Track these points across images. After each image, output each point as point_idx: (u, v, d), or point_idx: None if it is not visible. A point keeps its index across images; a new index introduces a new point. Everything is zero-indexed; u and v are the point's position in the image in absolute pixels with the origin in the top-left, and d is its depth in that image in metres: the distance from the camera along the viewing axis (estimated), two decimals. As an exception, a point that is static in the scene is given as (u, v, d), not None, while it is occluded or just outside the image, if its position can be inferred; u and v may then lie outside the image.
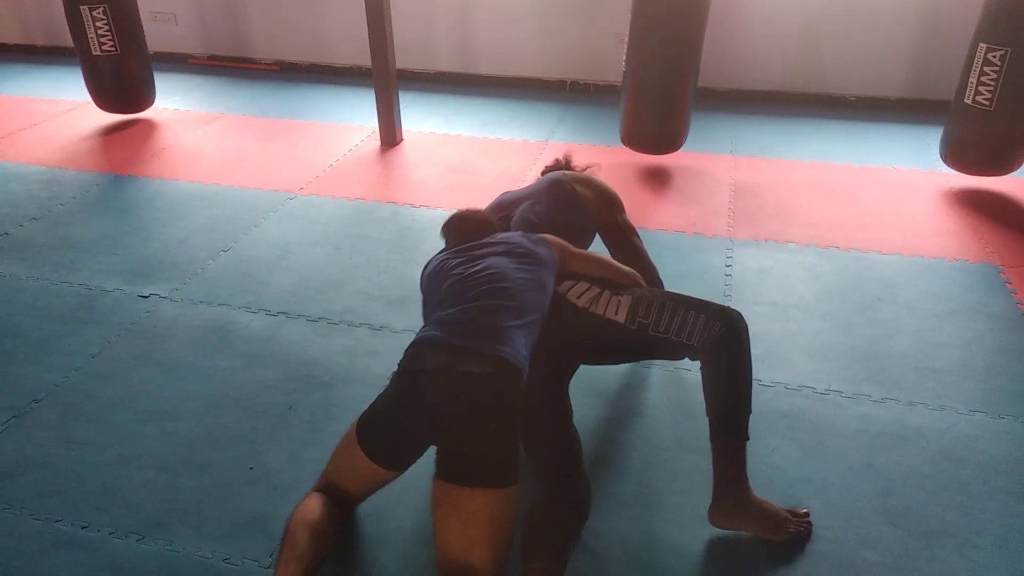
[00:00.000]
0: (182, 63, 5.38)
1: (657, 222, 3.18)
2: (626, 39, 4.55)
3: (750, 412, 1.78)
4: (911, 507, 1.84)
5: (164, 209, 3.38)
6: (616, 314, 1.86)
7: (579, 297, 1.89)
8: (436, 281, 1.88)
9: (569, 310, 1.87)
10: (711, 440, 1.77)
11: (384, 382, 2.26)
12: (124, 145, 4.06)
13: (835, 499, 1.87)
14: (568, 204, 2.28)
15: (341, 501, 1.72)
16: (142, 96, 4.26)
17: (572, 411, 1.88)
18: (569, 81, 4.85)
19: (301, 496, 1.86)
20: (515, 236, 1.98)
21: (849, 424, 2.10)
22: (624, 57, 3.54)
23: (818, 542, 1.75)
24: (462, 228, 2.09)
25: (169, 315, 2.63)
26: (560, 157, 2.57)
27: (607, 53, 4.67)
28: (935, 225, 3.16)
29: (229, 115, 4.49)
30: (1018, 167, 3.30)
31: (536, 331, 1.75)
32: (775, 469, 1.96)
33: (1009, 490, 1.88)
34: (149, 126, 4.31)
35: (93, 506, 1.87)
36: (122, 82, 4.12)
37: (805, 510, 1.80)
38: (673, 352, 1.94)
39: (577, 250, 2.03)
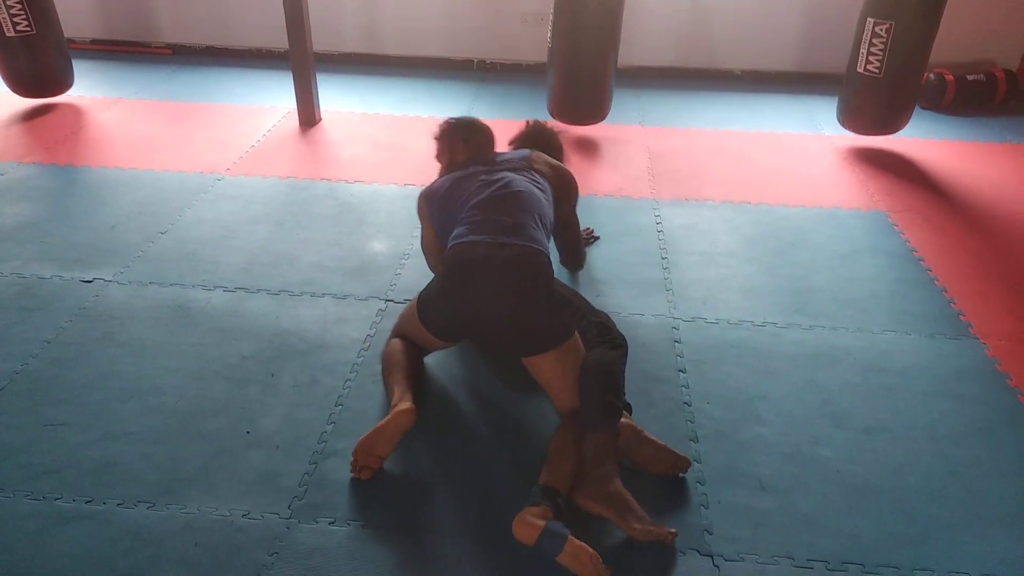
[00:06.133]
0: (63, 48, 5.06)
1: (589, 187, 3.38)
2: (528, 19, 4.78)
3: None
4: (849, 411, 2.13)
5: (83, 196, 3.25)
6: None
7: None
8: (455, 193, 2.19)
9: None
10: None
11: (359, 345, 2.37)
12: (24, 132, 3.82)
13: (787, 410, 2.13)
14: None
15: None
16: (59, 78, 4.05)
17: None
18: (476, 60, 4.98)
19: (306, 454, 1.97)
20: (522, 155, 2.36)
21: (787, 349, 2.38)
22: (549, 35, 3.71)
23: (780, 446, 2.01)
24: (477, 137, 2.43)
25: (119, 298, 2.57)
26: (536, 122, 2.73)
27: (512, 34, 4.83)
28: (828, 180, 3.55)
29: (128, 100, 4.31)
30: (904, 127, 3.73)
31: (550, 233, 2.18)
32: (733, 391, 2.20)
33: (926, 391, 2.21)
34: (46, 112, 4.07)
35: (91, 482, 1.85)
36: (38, 64, 3.90)
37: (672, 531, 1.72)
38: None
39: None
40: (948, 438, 2.04)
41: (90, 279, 2.66)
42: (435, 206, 2.25)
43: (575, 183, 2.49)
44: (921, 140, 3.97)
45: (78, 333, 2.38)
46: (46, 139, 3.75)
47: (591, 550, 1.58)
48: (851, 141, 3.90)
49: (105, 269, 2.72)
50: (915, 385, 2.24)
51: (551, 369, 1.93)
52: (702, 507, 1.82)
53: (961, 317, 2.55)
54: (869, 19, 3.46)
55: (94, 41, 5.13)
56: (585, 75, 3.71)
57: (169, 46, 5.11)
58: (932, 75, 4.39)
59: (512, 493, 1.83)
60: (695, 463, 1.94)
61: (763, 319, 2.52)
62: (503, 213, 2.05)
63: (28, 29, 3.75)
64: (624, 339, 2.05)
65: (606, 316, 2.14)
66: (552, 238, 2.31)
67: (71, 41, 5.08)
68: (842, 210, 3.25)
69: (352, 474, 1.86)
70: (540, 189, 2.22)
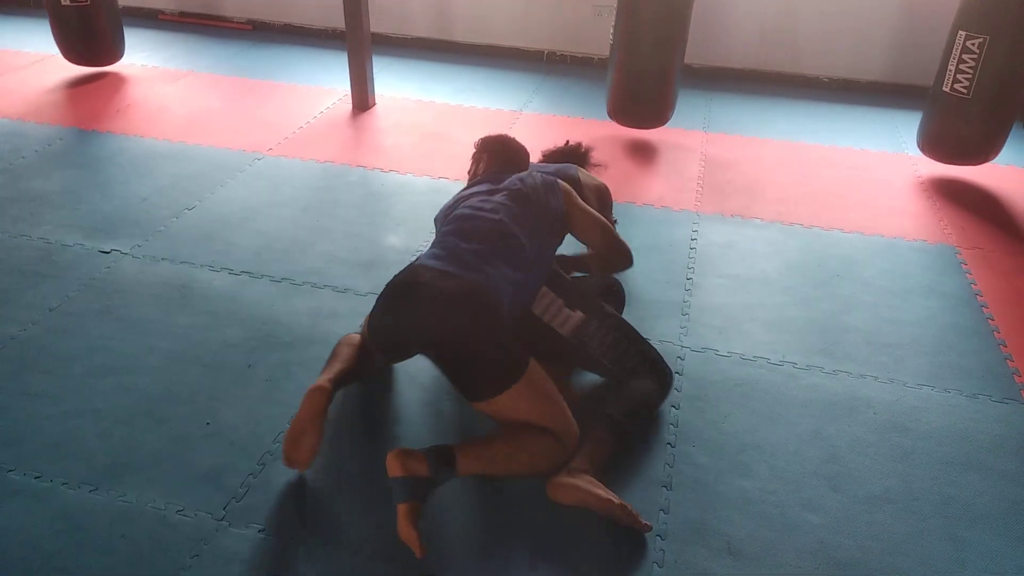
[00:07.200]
0: (151, 19, 5.25)
1: (628, 194, 3.19)
2: (601, 11, 4.58)
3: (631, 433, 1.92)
4: (853, 473, 1.90)
5: (127, 165, 3.33)
6: (563, 327, 2.00)
7: (535, 305, 2.03)
8: (452, 208, 2.09)
9: (526, 314, 2.01)
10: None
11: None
12: (88, 99, 3.98)
13: (781, 465, 1.92)
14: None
15: None
16: (111, 49, 4.18)
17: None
18: (546, 52, 4.82)
19: (259, 452, 1.91)
20: (534, 178, 2.13)
21: (800, 394, 2.15)
22: (611, 31, 3.53)
23: (763, 505, 1.80)
24: (501, 152, 2.31)
25: (130, 271, 2.60)
26: (576, 143, 2.74)
27: (585, 24, 4.65)
28: (896, 206, 3.21)
29: (198, 73, 4.41)
30: (993, 157, 3.31)
31: (524, 291, 1.94)
32: (726, 435, 2.00)
33: (949, 460, 1.94)
34: (115, 81, 4.22)
35: (47, 457, 1.87)
36: (91, 34, 4.03)
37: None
38: (600, 373, 2.10)
39: (584, 206, 2.19)
40: (963, 518, 1.78)
41: (108, 250, 2.71)
42: (439, 218, 2.18)
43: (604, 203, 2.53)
44: (1016, 168, 3.55)
45: (81, 304, 2.43)
46: (109, 108, 3.88)
47: (414, 532, 1.57)
48: (933, 164, 3.52)
49: (125, 241, 2.76)
50: (938, 451, 1.97)
51: (501, 412, 1.75)
52: (656, 564, 1.65)
53: (1016, 377, 2.24)
54: (960, 32, 3.09)
55: (182, 14, 5.29)
56: (646, 75, 3.50)
57: (250, 21, 5.21)
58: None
59: (463, 519, 1.72)
60: (661, 512, 1.77)
61: (782, 357, 2.29)
62: (468, 242, 1.90)
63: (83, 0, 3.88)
64: (671, 374, 2.06)
65: (653, 350, 2.06)
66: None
67: (160, 12, 5.28)
68: (904, 241, 2.93)
69: (286, 467, 1.80)
70: (536, 215, 2.03)
